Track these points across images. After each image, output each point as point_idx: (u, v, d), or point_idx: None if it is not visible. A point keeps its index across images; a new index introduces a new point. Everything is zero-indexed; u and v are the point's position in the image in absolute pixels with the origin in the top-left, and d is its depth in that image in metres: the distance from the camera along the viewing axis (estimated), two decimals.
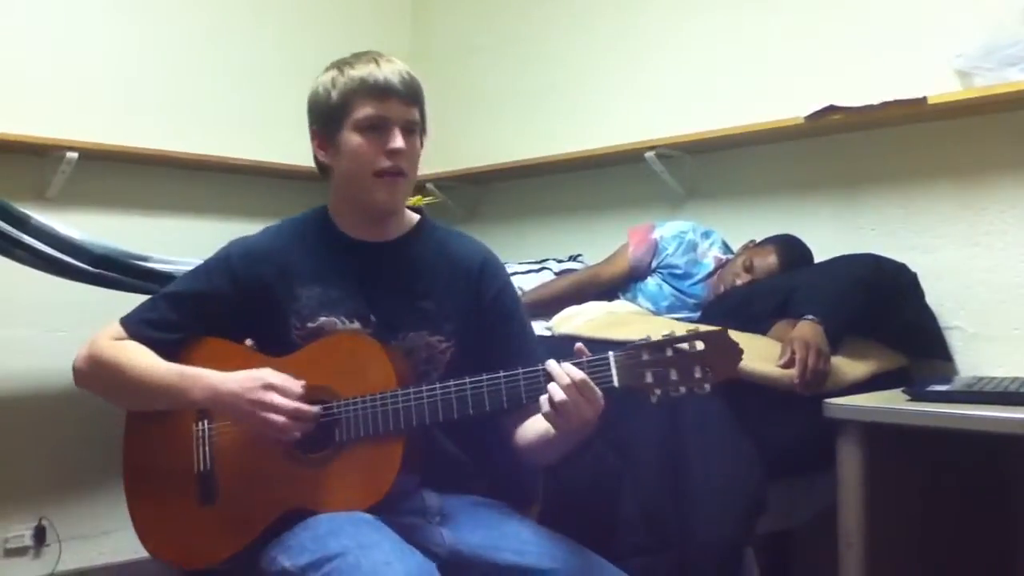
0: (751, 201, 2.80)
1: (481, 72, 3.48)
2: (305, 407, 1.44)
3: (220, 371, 1.49)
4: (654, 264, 2.59)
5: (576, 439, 1.44)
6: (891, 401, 1.72)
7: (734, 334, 2.11)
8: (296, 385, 1.45)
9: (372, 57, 1.55)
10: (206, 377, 1.48)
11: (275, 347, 1.56)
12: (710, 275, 2.57)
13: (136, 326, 1.56)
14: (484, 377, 1.42)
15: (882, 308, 2.20)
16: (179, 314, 1.57)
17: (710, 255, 2.59)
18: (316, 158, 1.62)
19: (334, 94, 1.54)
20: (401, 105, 1.53)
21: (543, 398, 1.36)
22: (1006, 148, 2.29)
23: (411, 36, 3.80)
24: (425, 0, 3.82)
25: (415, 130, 1.56)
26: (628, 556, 1.75)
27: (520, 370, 1.41)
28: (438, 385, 1.44)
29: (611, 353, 1.36)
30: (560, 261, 2.98)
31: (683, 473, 1.83)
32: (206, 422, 1.54)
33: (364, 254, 1.61)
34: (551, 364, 1.37)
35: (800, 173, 2.69)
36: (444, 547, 1.47)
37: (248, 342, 1.63)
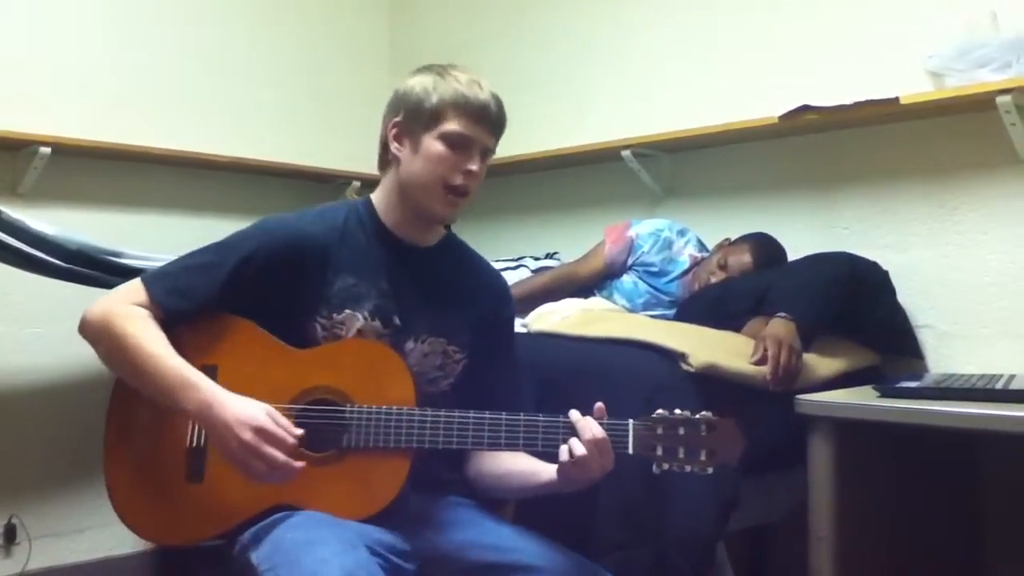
0: (726, 200, 2.82)
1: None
2: (293, 463, 1.39)
3: (229, 370, 1.47)
4: (630, 262, 2.61)
5: (568, 490, 1.49)
6: (861, 397, 1.73)
7: (708, 331, 2.15)
8: (290, 436, 1.40)
9: (476, 78, 1.59)
10: (205, 392, 1.43)
11: (293, 332, 1.54)
12: (685, 273, 2.58)
13: (161, 292, 1.51)
14: (503, 415, 1.47)
15: (854, 306, 2.22)
16: (210, 288, 1.52)
17: (685, 253, 2.60)
18: (386, 146, 1.62)
19: (434, 97, 1.55)
20: (489, 133, 1.59)
21: (563, 448, 1.42)
22: (977, 148, 2.31)
23: (390, 35, 3.80)
24: (403, 1, 3.81)
25: (487, 157, 1.61)
26: (604, 552, 1.76)
27: (540, 416, 1.46)
28: (457, 412, 1.48)
29: (631, 421, 1.46)
30: (537, 259, 2.99)
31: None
32: None
33: (403, 254, 1.62)
34: (575, 415, 1.45)
35: (774, 172, 2.71)
36: (424, 547, 1.48)
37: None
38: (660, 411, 1.46)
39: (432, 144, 1.55)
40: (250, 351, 1.53)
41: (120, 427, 1.55)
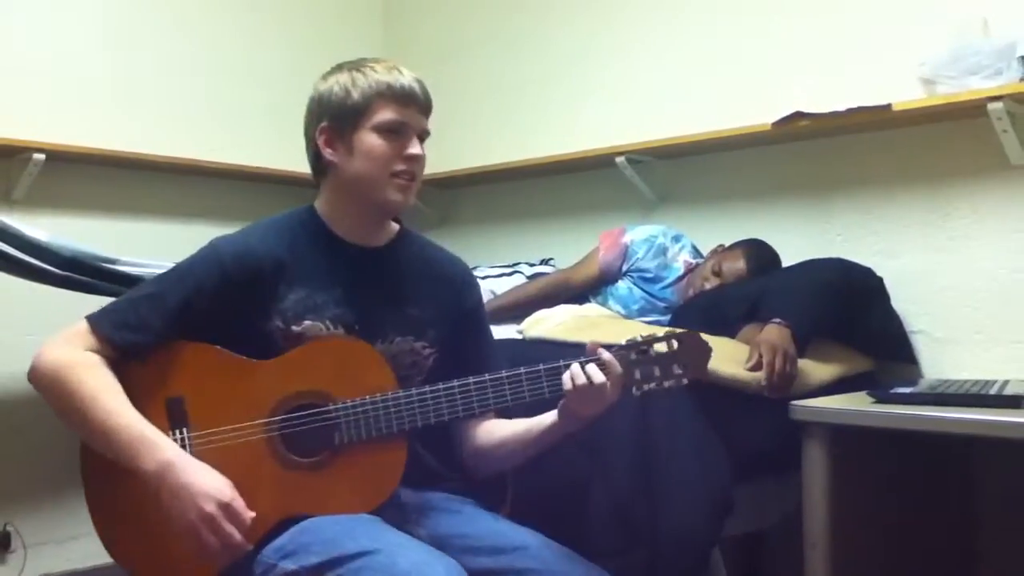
0: (720, 206, 2.83)
1: (453, 77, 3.48)
2: (244, 546, 1.36)
3: (199, 395, 1.44)
4: (625, 268, 2.61)
5: (570, 429, 1.52)
6: (856, 403, 1.74)
7: (703, 336, 2.16)
8: (248, 517, 1.37)
9: (392, 64, 1.56)
10: (167, 452, 1.38)
11: (255, 349, 1.51)
12: (680, 279, 2.59)
13: (110, 328, 1.46)
14: (486, 376, 1.48)
15: (849, 312, 2.23)
16: (161, 318, 1.47)
17: (680, 259, 2.61)
18: (318, 156, 1.58)
19: (355, 94, 1.53)
20: (420, 114, 1.57)
21: (565, 376, 1.44)
22: (969, 154, 2.33)
23: (383, 41, 3.80)
24: (397, 5, 3.82)
25: (425, 139, 1.59)
26: (598, 556, 1.76)
27: (522, 369, 1.47)
28: (441, 384, 1.48)
29: (606, 352, 1.46)
30: (532, 265, 2.99)
31: (653, 473, 1.84)
32: (185, 431, 1.45)
33: (354, 258, 1.60)
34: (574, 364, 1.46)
35: (768, 178, 2.72)
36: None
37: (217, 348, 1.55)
38: (628, 338, 1.49)
39: (366, 138, 1.53)
40: (214, 374, 1.48)
41: (96, 476, 1.50)
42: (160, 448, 1.38)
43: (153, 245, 2.81)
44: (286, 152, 3.27)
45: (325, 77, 1.58)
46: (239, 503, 1.37)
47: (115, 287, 2.35)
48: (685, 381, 1.48)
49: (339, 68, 1.58)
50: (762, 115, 2.51)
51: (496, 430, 1.61)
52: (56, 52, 2.86)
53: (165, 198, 3.09)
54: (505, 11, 3.44)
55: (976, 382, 1.87)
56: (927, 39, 2.33)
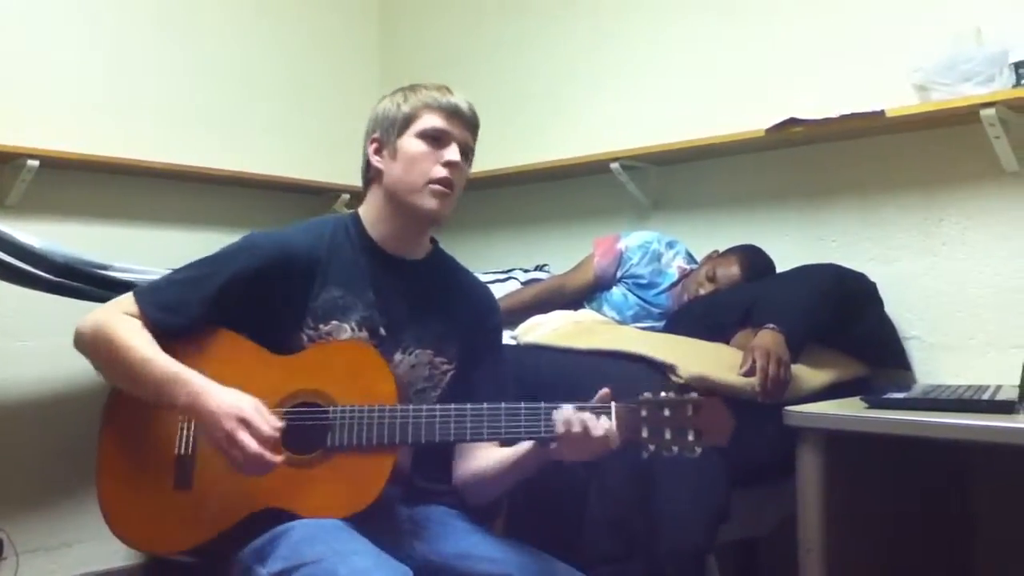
0: (714, 212, 2.83)
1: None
2: (268, 456, 1.39)
3: (213, 380, 1.46)
4: (619, 274, 2.61)
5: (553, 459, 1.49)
6: (850, 409, 1.74)
7: (697, 343, 2.16)
8: (270, 427, 1.40)
9: (445, 86, 1.66)
10: (194, 384, 1.44)
11: (281, 342, 1.56)
12: (674, 285, 2.59)
13: (151, 307, 1.53)
14: (484, 405, 1.47)
15: (843, 318, 2.23)
16: (198, 303, 1.54)
17: (674, 265, 2.61)
18: (368, 164, 1.66)
19: (404, 106, 1.62)
20: (464, 128, 1.64)
21: (558, 418, 1.41)
22: (962, 161, 2.34)
23: (379, 50, 3.81)
24: (393, 16, 3.83)
25: (468, 155, 1.65)
26: (594, 564, 1.76)
27: (522, 404, 1.46)
28: (438, 406, 1.49)
29: (613, 404, 1.43)
30: (526, 271, 2.99)
31: (649, 481, 1.84)
32: None
33: (388, 266, 1.64)
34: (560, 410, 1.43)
35: (762, 185, 2.73)
36: (416, 558, 1.48)
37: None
38: (646, 393, 1.43)
39: (409, 143, 1.60)
40: (233, 360, 1.54)
41: (114, 438, 1.56)
42: (189, 383, 1.44)
43: (146, 251, 2.81)
44: (282, 159, 3.30)
45: (382, 99, 1.68)
46: (256, 417, 1.40)
47: (107, 293, 2.34)
48: (698, 450, 1.39)
49: (397, 91, 1.66)
50: (756, 121, 2.52)
51: (479, 457, 1.63)
52: (50, 58, 2.85)
53: (159, 204, 3.09)
54: (502, 20, 3.45)
55: (969, 387, 1.88)
56: (921, 46, 2.34)
